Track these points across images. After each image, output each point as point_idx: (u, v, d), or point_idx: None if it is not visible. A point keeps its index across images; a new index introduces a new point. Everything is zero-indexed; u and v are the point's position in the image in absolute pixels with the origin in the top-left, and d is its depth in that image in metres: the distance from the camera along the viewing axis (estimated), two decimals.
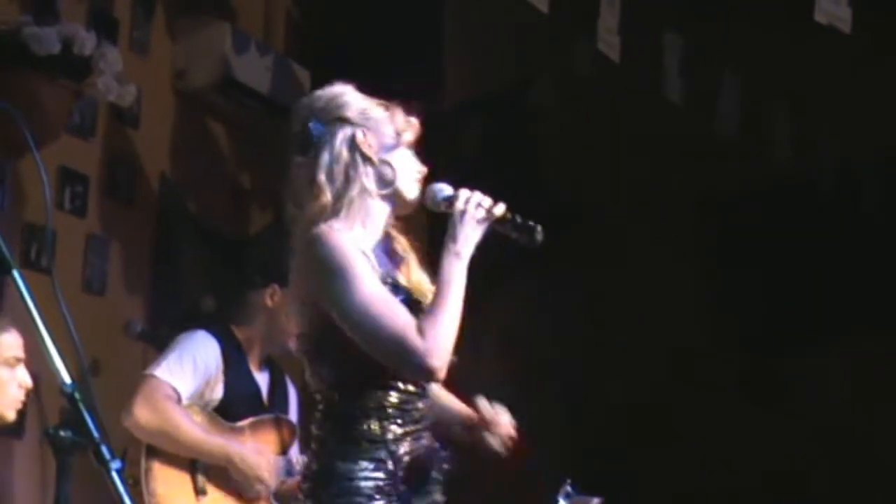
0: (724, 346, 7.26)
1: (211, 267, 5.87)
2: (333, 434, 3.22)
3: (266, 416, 4.82)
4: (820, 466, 6.84)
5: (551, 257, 7.15)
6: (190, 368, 4.65)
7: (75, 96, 5.04)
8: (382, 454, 3.19)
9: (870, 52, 6.26)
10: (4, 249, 2.55)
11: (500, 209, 3.34)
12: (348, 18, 6.39)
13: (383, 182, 3.31)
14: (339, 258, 3.15)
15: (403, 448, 3.22)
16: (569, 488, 4.09)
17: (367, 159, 3.30)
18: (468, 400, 3.59)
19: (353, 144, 3.29)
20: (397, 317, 3.14)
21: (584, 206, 7.31)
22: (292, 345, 4.87)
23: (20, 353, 3.71)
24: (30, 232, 5.10)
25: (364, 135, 3.31)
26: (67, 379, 2.47)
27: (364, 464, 3.18)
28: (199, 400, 4.67)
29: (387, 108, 3.39)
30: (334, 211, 3.25)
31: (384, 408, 3.22)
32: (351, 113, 3.33)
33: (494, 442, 3.53)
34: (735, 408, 7.16)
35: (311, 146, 3.30)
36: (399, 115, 3.39)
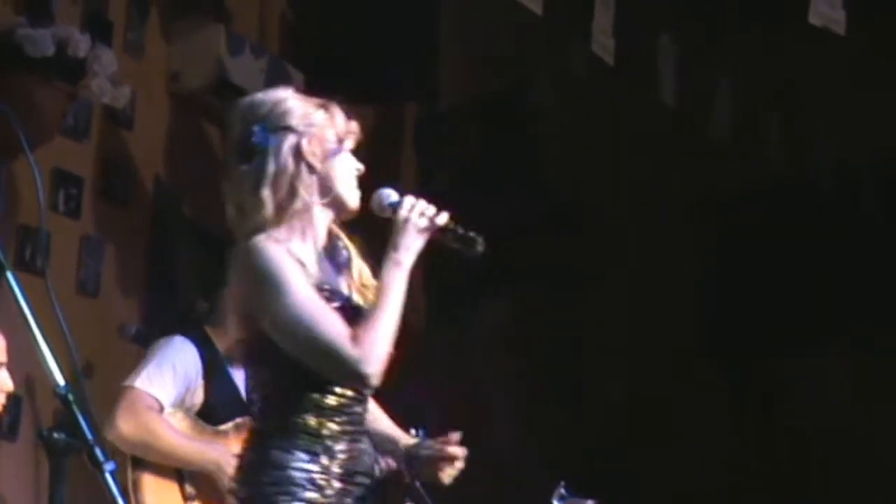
0: (723, 346, 7.26)
1: (206, 269, 5.86)
2: (271, 426, 3.28)
3: (249, 418, 4.80)
4: (819, 467, 6.85)
5: (551, 258, 7.18)
6: (170, 376, 4.63)
7: (70, 98, 5.03)
8: (318, 448, 3.25)
9: (865, 53, 6.26)
10: None
11: (442, 219, 3.35)
12: (343, 20, 6.39)
13: (326, 190, 3.32)
14: (272, 269, 3.18)
15: (340, 446, 3.27)
16: (562, 490, 4.09)
17: (311, 169, 3.30)
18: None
19: (298, 154, 3.29)
20: (329, 325, 3.18)
21: (583, 206, 7.31)
22: None
23: (2, 357, 3.70)
24: (24, 233, 5.09)
25: (309, 143, 3.31)
26: (61, 381, 2.47)
27: (299, 454, 3.23)
28: (181, 406, 4.66)
29: (327, 110, 3.37)
30: (276, 221, 3.27)
31: (322, 407, 3.27)
32: (295, 120, 3.32)
33: (445, 476, 3.50)
34: (734, 408, 7.17)
35: (255, 154, 3.30)
36: (339, 118, 3.38)
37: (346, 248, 3.43)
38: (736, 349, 7.25)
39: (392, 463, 3.55)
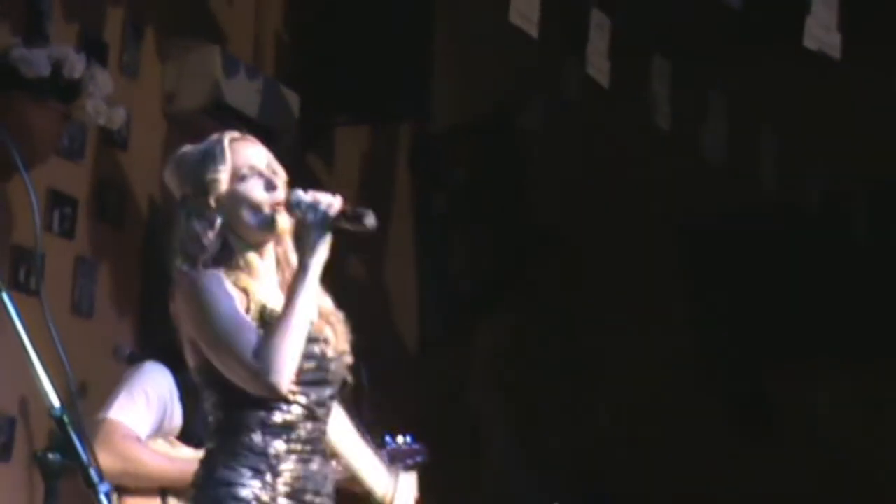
0: (711, 369, 7.27)
1: None
2: (220, 445, 3.39)
3: None
4: (813, 481, 6.85)
5: (539, 281, 7.18)
6: (143, 403, 4.58)
7: (65, 119, 5.03)
8: (262, 466, 3.33)
9: (858, 76, 6.28)
10: None
11: (336, 205, 3.39)
12: (338, 42, 6.40)
13: (237, 228, 3.44)
14: (196, 289, 3.37)
15: (286, 465, 3.36)
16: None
17: (211, 223, 3.43)
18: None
19: (198, 215, 3.45)
20: (239, 343, 3.29)
21: (575, 228, 7.32)
22: None
23: None
24: (18, 254, 5.08)
25: (204, 197, 3.45)
26: (56, 402, 2.46)
27: (243, 471, 3.33)
28: (159, 432, 4.63)
29: (216, 145, 3.53)
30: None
31: (267, 425, 3.36)
32: (186, 187, 3.51)
33: None
34: (723, 431, 7.17)
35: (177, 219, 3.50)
36: (231, 153, 3.51)
37: (284, 259, 3.53)
38: (723, 373, 7.26)
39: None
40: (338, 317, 3.51)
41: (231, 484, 3.31)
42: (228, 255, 3.43)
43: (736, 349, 7.29)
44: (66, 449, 2.44)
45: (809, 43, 5.07)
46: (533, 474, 6.43)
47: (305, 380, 3.37)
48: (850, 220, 6.99)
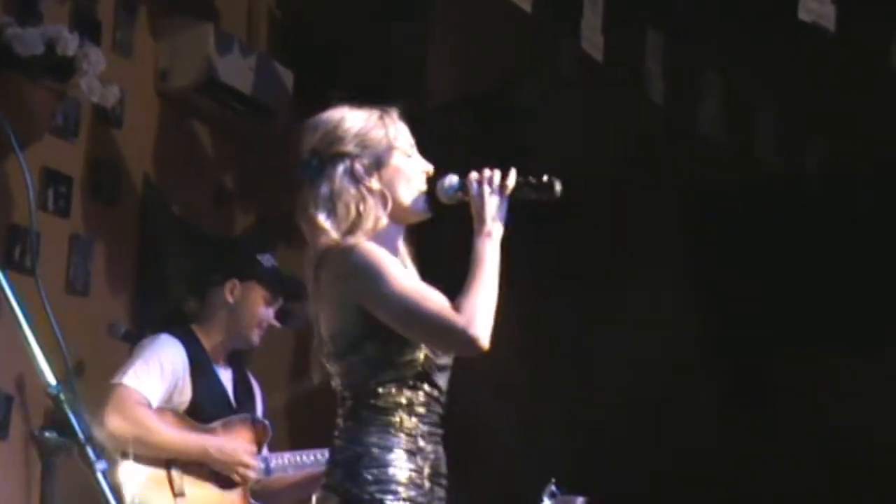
0: (718, 345, 7.26)
1: (194, 268, 5.86)
2: (368, 424, 3.29)
3: (236, 417, 4.82)
4: (817, 467, 6.85)
5: (540, 261, 7.17)
6: (157, 373, 4.64)
7: (59, 97, 5.03)
8: (413, 447, 3.28)
9: (857, 52, 6.26)
10: None
11: (512, 178, 3.39)
12: (331, 19, 6.39)
13: (387, 204, 3.37)
14: (374, 260, 3.25)
15: (429, 447, 3.32)
16: (553, 488, 4.11)
17: (369, 189, 3.36)
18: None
19: (353, 178, 3.36)
20: (434, 300, 3.24)
21: (572, 205, 7.30)
22: (256, 338, 4.91)
23: None
24: (13, 233, 5.09)
25: (363, 164, 3.37)
26: (52, 380, 2.46)
27: (400, 453, 3.26)
28: (168, 404, 4.67)
29: (382, 118, 3.45)
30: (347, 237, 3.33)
31: (413, 405, 3.31)
32: (348, 146, 3.38)
33: None
34: (731, 408, 7.17)
35: (315, 179, 3.37)
36: (394, 127, 3.45)
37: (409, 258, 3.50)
38: (730, 348, 7.25)
39: None
40: None
41: (389, 465, 3.24)
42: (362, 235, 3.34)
43: (736, 332, 7.28)
44: (64, 426, 2.44)
45: (804, 15, 5.08)
46: (534, 456, 6.42)
47: (441, 364, 3.36)
48: (852, 199, 6.98)
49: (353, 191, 3.34)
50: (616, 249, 7.32)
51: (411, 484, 3.25)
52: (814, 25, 5.11)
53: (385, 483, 3.23)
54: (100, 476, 2.38)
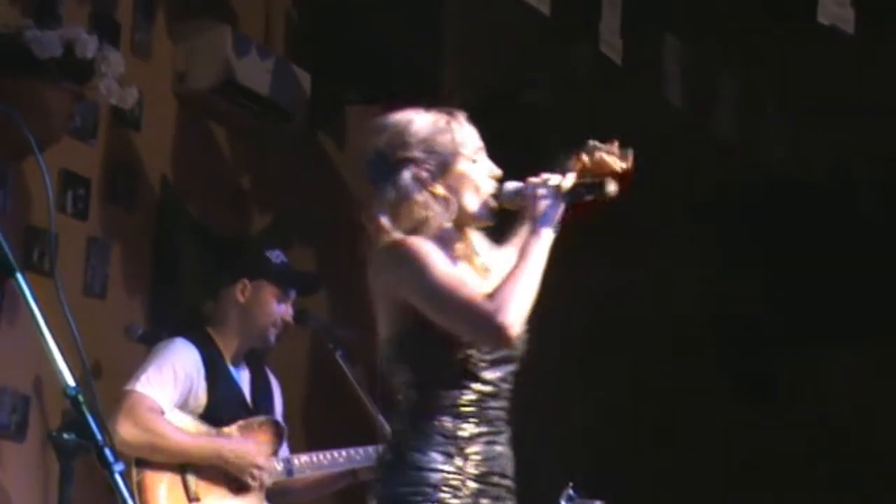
0: (727, 342, 7.26)
1: (211, 270, 5.87)
2: (410, 427, 3.33)
3: (253, 420, 4.81)
4: (823, 462, 6.86)
5: (550, 257, 7.17)
6: (170, 378, 4.62)
7: (77, 99, 5.04)
8: (452, 449, 3.29)
9: (869, 53, 6.26)
10: (8, 252, 2.56)
11: (568, 181, 3.39)
12: (348, 21, 6.40)
13: (453, 208, 3.37)
14: (418, 249, 3.27)
15: (474, 448, 3.31)
16: (570, 491, 4.11)
17: (433, 194, 3.36)
18: None
19: (418, 182, 3.36)
20: (469, 286, 3.25)
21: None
22: (272, 336, 4.89)
23: None
24: (32, 234, 5.10)
25: (429, 169, 3.37)
26: (70, 382, 2.47)
27: (434, 455, 3.27)
28: (184, 408, 4.66)
29: (449, 122, 3.44)
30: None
31: (458, 406, 3.31)
32: (414, 152, 3.38)
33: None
34: (738, 405, 7.17)
35: (380, 181, 3.38)
36: (462, 131, 3.45)
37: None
38: (739, 345, 7.26)
39: None
40: None
41: (422, 468, 3.26)
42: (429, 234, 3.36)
43: (745, 327, 7.29)
44: (81, 428, 2.45)
45: (823, 18, 5.07)
46: (547, 453, 6.42)
47: (492, 359, 3.34)
48: (860, 197, 6.98)
49: (418, 196, 3.34)
50: (627, 247, 7.33)
51: (446, 486, 3.26)
52: (833, 28, 5.10)
53: (415, 485, 3.26)
54: (117, 478, 2.39)
